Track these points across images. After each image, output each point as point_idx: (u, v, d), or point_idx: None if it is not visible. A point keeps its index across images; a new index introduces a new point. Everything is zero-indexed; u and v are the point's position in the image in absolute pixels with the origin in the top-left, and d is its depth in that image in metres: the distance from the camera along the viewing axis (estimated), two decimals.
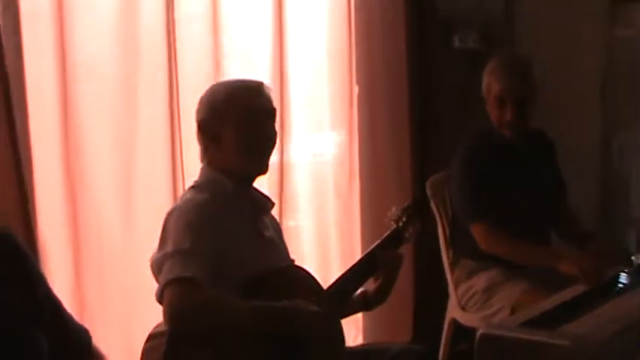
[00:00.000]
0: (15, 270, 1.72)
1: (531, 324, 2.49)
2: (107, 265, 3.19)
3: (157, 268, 2.33)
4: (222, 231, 2.40)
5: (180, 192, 3.25)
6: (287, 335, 2.33)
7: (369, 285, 2.69)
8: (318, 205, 3.83)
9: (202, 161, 2.58)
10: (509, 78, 3.33)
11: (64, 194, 3.11)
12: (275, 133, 2.58)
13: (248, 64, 3.57)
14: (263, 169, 2.57)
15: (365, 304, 2.75)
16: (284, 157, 3.61)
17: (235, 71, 3.46)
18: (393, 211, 2.79)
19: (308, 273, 2.58)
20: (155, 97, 3.28)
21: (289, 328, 2.33)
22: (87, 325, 2.07)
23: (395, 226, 2.76)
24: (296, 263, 2.71)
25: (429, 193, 3.61)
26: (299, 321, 2.33)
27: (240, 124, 2.48)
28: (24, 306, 1.70)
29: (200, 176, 2.57)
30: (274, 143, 2.59)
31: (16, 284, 1.71)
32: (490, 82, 3.37)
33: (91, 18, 3.14)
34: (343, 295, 2.62)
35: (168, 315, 2.22)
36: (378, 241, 2.73)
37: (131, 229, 3.22)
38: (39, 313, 1.74)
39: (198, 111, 2.56)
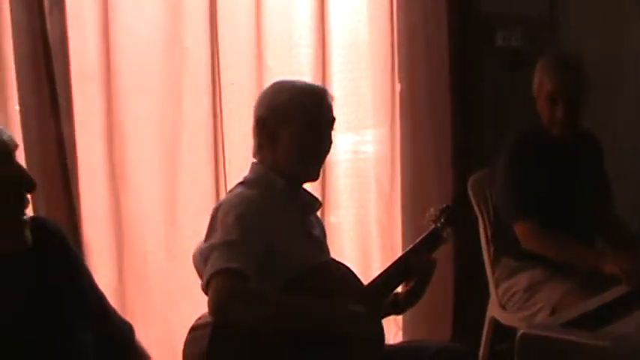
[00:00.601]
0: (62, 261, 1.74)
1: (572, 325, 2.48)
2: (149, 262, 3.22)
3: (203, 259, 2.33)
4: (270, 227, 2.40)
5: (222, 189, 3.27)
6: (329, 334, 2.34)
7: (401, 287, 2.69)
8: (360, 203, 3.83)
9: (255, 157, 2.58)
10: (561, 76, 3.30)
11: (107, 192, 3.15)
12: (331, 141, 2.58)
13: (290, 61, 3.58)
14: (314, 177, 2.58)
15: (395, 307, 2.74)
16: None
17: (277, 68, 3.46)
18: (432, 211, 2.78)
19: (349, 269, 2.58)
20: (198, 95, 3.30)
21: (333, 328, 2.33)
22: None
23: (433, 226, 2.75)
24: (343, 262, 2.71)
25: (470, 191, 3.59)
26: (343, 321, 2.34)
27: (301, 130, 2.48)
28: (69, 297, 1.72)
29: (250, 172, 2.57)
30: (329, 151, 2.59)
31: (62, 275, 1.73)
32: (542, 80, 3.34)
33: (137, 17, 3.17)
34: (379, 295, 2.61)
35: (213, 306, 2.22)
36: (416, 242, 2.72)
37: (173, 226, 3.24)
38: (83, 305, 1.76)
39: (259, 107, 2.54)
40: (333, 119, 2.57)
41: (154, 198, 3.25)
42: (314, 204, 2.65)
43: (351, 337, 2.37)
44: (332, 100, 2.58)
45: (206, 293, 2.26)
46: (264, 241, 2.35)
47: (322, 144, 2.55)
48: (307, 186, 2.66)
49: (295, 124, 2.47)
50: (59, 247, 1.75)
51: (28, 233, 1.58)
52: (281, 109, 2.49)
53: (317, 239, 2.62)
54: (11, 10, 2.86)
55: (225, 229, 2.32)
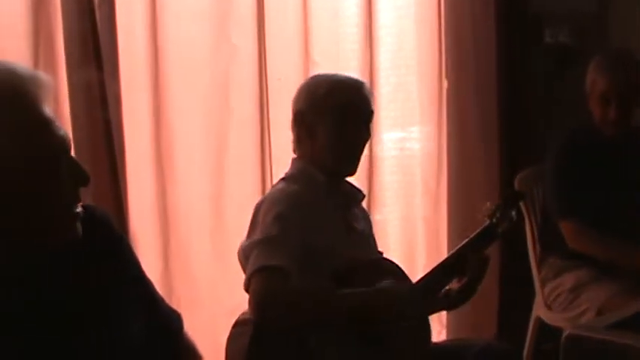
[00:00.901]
0: (110, 249, 1.76)
1: (618, 326, 2.46)
2: (195, 255, 3.25)
3: (245, 256, 2.34)
4: (312, 223, 2.40)
5: (268, 184, 3.28)
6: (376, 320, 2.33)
7: (453, 284, 2.66)
8: (405, 200, 3.82)
9: (294, 152, 2.58)
10: (615, 75, 3.25)
11: (154, 185, 3.18)
12: (369, 134, 2.57)
13: (337, 57, 3.58)
14: (351, 171, 2.56)
15: (447, 303, 2.72)
16: (373, 150, 3.61)
17: (323, 63, 3.46)
18: (487, 206, 2.73)
19: (397, 266, 2.57)
20: (245, 90, 3.32)
21: (379, 310, 2.33)
22: None
23: (488, 221, 2.70)
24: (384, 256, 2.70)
25: (517, 189, 3.56)
26: (390, 300, 2.33)
27: (337, 123, 2.47)
28: (117, 284, 1.74)
29: (291, 168, 2.57)
30: (365, 145, 2.58)
31: (111, 262, 1.75)
32: (594, 79, 3.30)
33: (185, 12, 3.19)
34: (430, 291, 2.59)
35: (254, 303, 2.23)
36: (471, 236, 2.67)
37: (219, 220, 3.26)
38: (131, 293, 1.78)
39: (297, 101, 2.54)
40: (371, 112, 2.55)
41: (201, 191, 3.27)
42: (357, 196, 2.64)
43: (399, 315, 2.35)
44: (370, 93, 2.56)
45: (248, 292, 2.27)
46: (305, 237, 2.34)
47: (359, 138, 2.53)
48: (353, 181, 2.65)
49: (331, 117, 2.47)
50: (107, 235, 1.77)
51: (79, 225, 1.60)
52: (317, 102, 2.48)
53: (361, 233, 2.60)
54: (63, 15, 2.90)
55: (266, 227, 2.33)
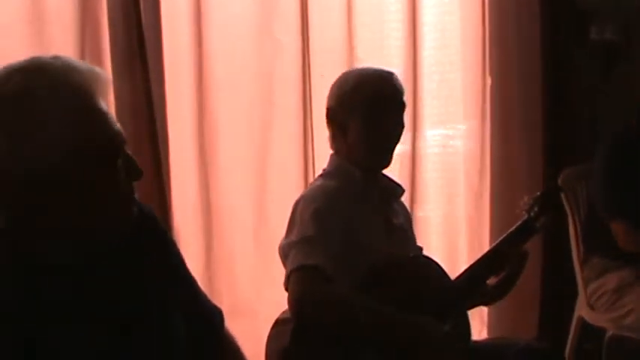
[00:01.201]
0: (154, 242, 1.78)
1: None
2: (238, 251, 3.27)
3: (284, 254, 2.34)
4: (349, 219, 2.38)
5: (311, 179, 3.28)
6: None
7: (491, 279, 2.63)
8: (448, 197, 3.81)
9: (331, 148, 2.57)
10: None
11: (197, 182, 3.21)
12: (402, 126, 2.52)
13: (381, 53, 3.58)
14: (385, 163, 2.52)
15: (484, 298, 2.70)
16: (416, 147, 3.61)
17: (367, 59, 3.45)
18: (526, 200, 2.69)
19: (435, 263, 2.55)
20: (288, 86, 3.33)
21: (412, 343, 2.30)
22: None
23: (527, 215, 2.66)
24: (424, 253, 2.68)
25: (561, 186, 3.53)
26: (425, 340, 2.29)
27: (366, 115, 2.44)
28: (161, 277, 1.76)
29: (329, 164, 2.56)
30: (399, 136, 2.53)
31: (155, 255, 1.76)
32: None
33: (229, 8, 3.22)
34: (470, 288, 2.57)
35: (292, 303, 2.23)
36: (509, 231, 2.65)
37: (262, 217, 3.28)
38: (174, 286, 1.79)
39: (329, 98, 2.53)
40: (402, 103, 2.51)
41: (244, 188, 3.29)
42: (396, 190, 2.61)
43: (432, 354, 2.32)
44: (400, 82, 2.52)
45: (287, 290, 2.27)
46: (342, 235, 2.33)
47: (391, 130, 2.50)
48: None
49: (360, 112, 2.44)
50: (153, 230, 1.79)
51: (131, 219, 1.62)
52: (346, 98, 2.46)
53: (398, 228, 2.57)
54: (108, 9, 2.93)
55: (303, 225, 2.32)
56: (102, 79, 1.58)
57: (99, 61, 2.92)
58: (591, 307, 3.41)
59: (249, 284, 3.29)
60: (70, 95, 1.51)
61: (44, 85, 1.50)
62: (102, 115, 1.55)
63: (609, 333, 3.25)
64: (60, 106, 1.50)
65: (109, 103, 1.60)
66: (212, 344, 1.89)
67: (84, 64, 1.59)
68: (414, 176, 3.61)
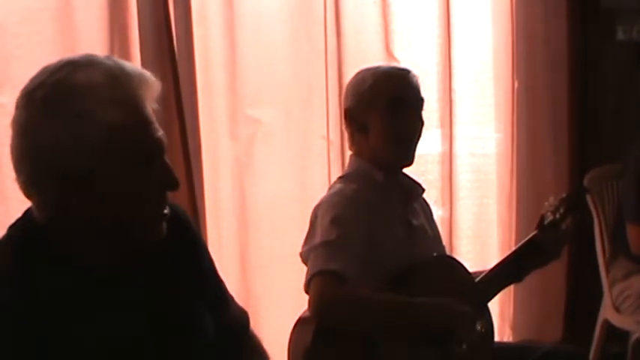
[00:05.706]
0: (186, 242, 1.78)
1: None
2: (272, 256, 3.29)
3: (305, 260, 2.36)
4: (370, 222, 2.39)
5: None
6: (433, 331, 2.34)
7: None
8: (478, 199, 3.79)
9: (350, 149, 2.56)
10: None
11: (231, 188, 3.23)
12: (422, 123, 2.50)
13: (413, 56, 3.55)
14: (408, 161, 2.50)
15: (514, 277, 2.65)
16: (445, 148, 3.62)
17: (402, 59, 3.46)
18: (551, 201, 2.64)
19: (458, 263, 2.56)
20: (324, 89, 3.35)
21: (436, 327, 2.34)
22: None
23: (552, 217, 2.59)
24: (452, 256, 2.67)
25: (587, 187, 3.52)
26: (446, 321, 2.34)
27: (385, 113, 2.42)
28: (191, 277, 1.77)
29: (349, 166, 2.56)
30: (420, 134, 2.51)
31: (186, 258, 1.77)
32: None
33: (261, 15, 3.24)
34: (487, 293, 2.57)
35: (312, 307, 2.26)
36: (532, 233, 2.60)
37: (297, 221, 3.27)
38: (203, 286, 1.80)
39: (345, 99, 2.52)
40: (420, 99, 2.49)
41: (279, 192, 3.30)
42: (416, 189, 2.59)
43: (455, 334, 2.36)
44: (417, 80, 2.49)
45: (307, 294, 2.29)
46: (362, 238, 2.34)
47: (410, 127, 2.47)
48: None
49: (378, 111, 2.43)
50: (186, 232, 1.79)
51: (165, 225, 1.62)
52: (363, 98, 2.45)
53: (419, 228, 2.56)
54: (138, 12, 2.95)
55: (324, 230, 2.33)
56: (150, 85, 1.56)
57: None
58: (617, 310, 3.41)
59: (283, 287, 3.28)
60: (121, 94, 1.51)
61: (98, 79, 1.50)
62: (145, 122, 1.55)
63: (635, 336, 3.24)
64: (110, 102, 1.50)
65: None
66: (238, 346, 1.90)
67: (134, 68, 1.58)
68: (444, 177, 3.62)
